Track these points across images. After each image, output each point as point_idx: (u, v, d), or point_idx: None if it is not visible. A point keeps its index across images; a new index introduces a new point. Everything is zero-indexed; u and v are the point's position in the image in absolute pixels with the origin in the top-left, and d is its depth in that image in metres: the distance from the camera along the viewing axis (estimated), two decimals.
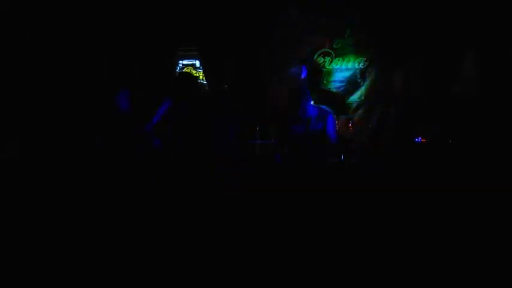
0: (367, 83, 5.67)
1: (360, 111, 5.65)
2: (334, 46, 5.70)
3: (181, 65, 5.73)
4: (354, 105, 5.69)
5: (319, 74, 5.56)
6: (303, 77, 5.48)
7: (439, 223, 3.25)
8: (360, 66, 5.68)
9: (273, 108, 5.40)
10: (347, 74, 5.71)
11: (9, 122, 4.45)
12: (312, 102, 4.37)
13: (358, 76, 5.70)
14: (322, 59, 5.72)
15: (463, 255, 2.67)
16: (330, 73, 5.73)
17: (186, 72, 5.62)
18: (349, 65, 5.70)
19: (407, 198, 3.78)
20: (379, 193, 3.96)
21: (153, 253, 2.75)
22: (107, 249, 2.80)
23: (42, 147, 4.40)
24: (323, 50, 5.71)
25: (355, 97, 5.71)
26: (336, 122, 4.67)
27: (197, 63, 5.71)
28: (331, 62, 5.71)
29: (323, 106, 4.64)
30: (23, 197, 3.65)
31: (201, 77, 5.66)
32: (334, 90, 5.72)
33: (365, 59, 5.65)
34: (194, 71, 5.70)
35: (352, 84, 5.71)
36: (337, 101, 5.61)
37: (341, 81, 5.72)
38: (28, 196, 3.68)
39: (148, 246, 2.85)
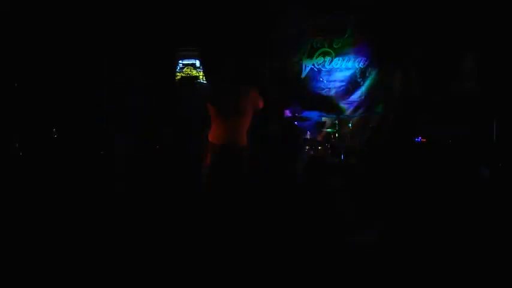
0: (367, 82, 5.67)
1: (360, 111, 5.66)
2: (334, 46, 5.70)
3: (181, 65, 5.72)
4: (354, 105, 5.70)
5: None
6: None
7: (438, 223, 3.26)
8: (360, 65, 5.67)
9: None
10: (347, 73, 5.71)
11: (12, 120, 4.48)
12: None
13: (358, 76, 5.69)
14: (322, 59, 5.72)
15: (462, 255, 2.68)
16: (330, 73, 5.74)
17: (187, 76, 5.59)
18: (349, 65, 5.70)
19: (407, 198, 3.79)
20: (379, 193, 3.97)
21: (155, 250, 2.76)
22: (108, 248, 2.82)
23: (42, 144, 4.43)
24: (323, 49, 5.71)
25: (356, 97, 5.71)
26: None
27: (197, 63, 5.70)
28: (331, 61, 5.71)
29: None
30: (25, 193, 3.68)
31: (201, 77, 5.65)
32: (334, 91, 5.73)
33: (365, 58, 5.65)
34: (194, 71, 5.69)
35: (352, 84, 5.72)
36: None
37: (341, 81, 5.72)
38: (31, 191, 3.71)
39: (149, 244, 2.86)
